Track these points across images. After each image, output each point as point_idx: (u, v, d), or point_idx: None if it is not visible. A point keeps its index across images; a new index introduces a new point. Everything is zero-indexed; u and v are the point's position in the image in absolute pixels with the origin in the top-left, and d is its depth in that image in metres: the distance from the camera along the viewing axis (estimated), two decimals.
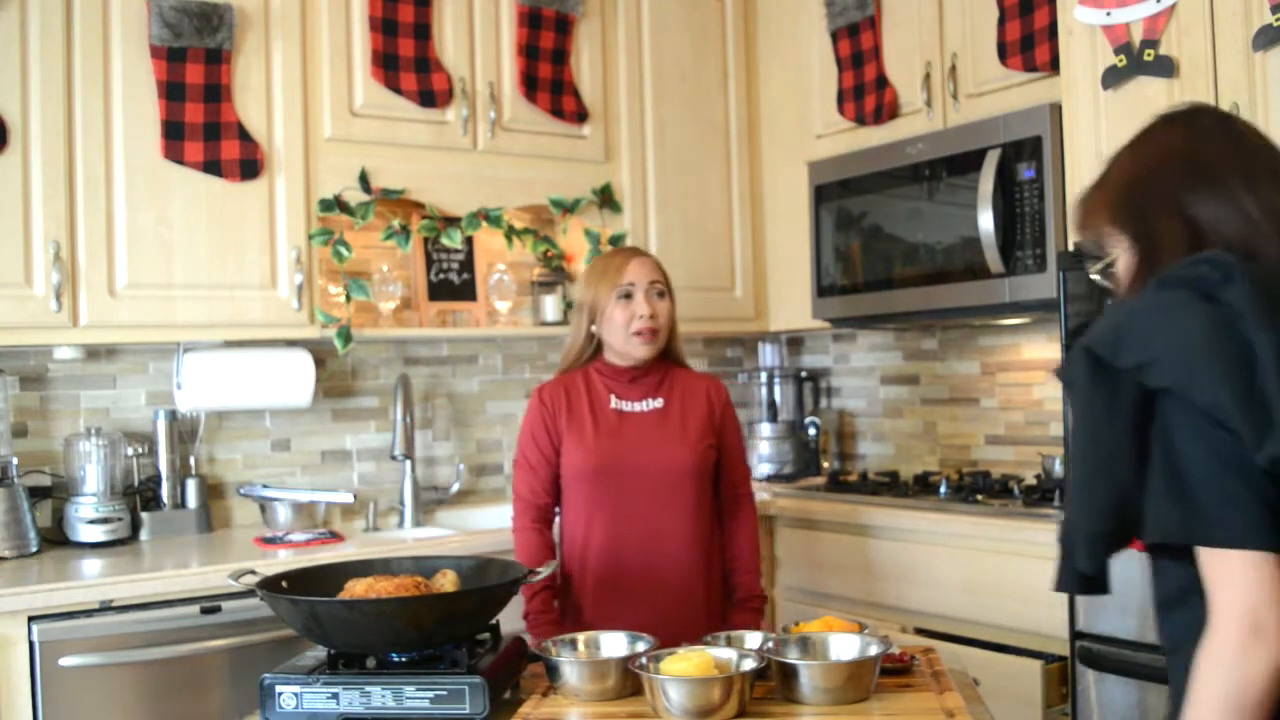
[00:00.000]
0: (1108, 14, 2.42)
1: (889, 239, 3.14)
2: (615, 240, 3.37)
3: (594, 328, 2.42)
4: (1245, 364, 1.16)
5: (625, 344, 2.37)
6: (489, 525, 3.16)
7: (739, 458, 2.49)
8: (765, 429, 3.77)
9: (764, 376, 3.88)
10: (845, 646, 1.69)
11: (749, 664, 1.60)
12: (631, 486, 2.33)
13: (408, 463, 3.19)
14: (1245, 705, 1.13)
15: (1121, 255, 1.34)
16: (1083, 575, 1.29)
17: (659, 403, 2.41)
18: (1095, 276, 1.40)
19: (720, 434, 2.44)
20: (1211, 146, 1.30)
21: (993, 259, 2.81)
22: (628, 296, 2.37)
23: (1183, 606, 1.26)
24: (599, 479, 2.33)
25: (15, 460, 2.67)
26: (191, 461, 3.01)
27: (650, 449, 2.36)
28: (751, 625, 2.33)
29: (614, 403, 2.40)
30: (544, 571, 1.84)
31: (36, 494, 2.76)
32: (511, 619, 1.90)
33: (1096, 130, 2.48)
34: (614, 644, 1.77)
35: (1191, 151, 1.31)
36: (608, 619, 2.18)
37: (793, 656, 1.67)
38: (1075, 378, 1.28)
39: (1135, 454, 1.22)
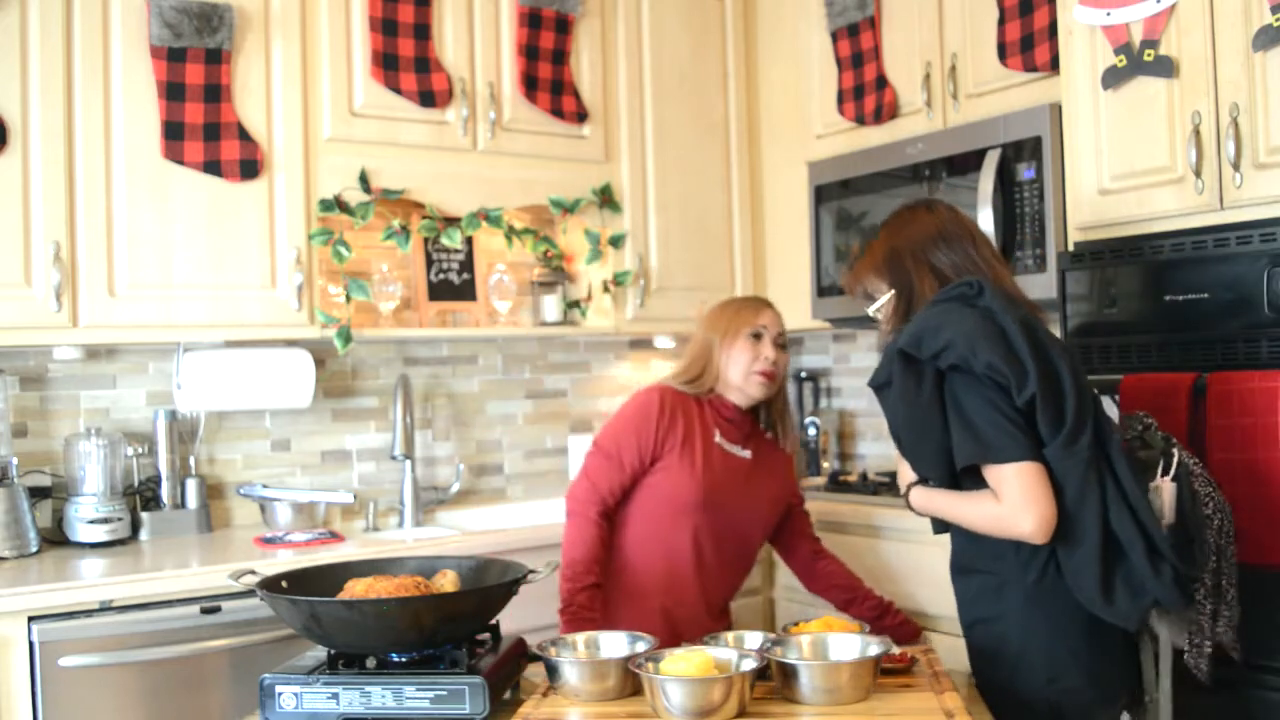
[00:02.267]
0: (1108, 14, 2.42)
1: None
2: (615, 240, 3.37)
3: (712, 361, 2.45)
4: (1004, 339, 1.75)
5: (745, 381, 2.41)
6: (489, 525, 3.16)
7: (804, 509, 2.63)
8: None
9: None
10: (845, 646, 1.69)
11: (749, 664, 1.60)
12: (716, 525, 2.38)
13: (408, 463, 3.19)
14: (993, 533, 1.76)
15: (887, 301, 1.97)
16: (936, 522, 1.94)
17: (748, 453, 2.46)
18: (869, 312, 2.01)
19: (790, 495, 2.57)
20: (946, 223, 1.96)
21: None
22: (757, 337, 2.42)
23: (970, 572, 1.88)
24: (695, 509, 2.36)
25: (15, 460, 2.67)
26: (191, 461, 3.01)
27: (745, 496, 2.42)
28: (907, 623, 2.53)
29: (717, 438, 2.42)
30: (543, 572, 1.83)
31: (36, 494, 2.77)
32: (512, 619, 1.89)
33: (1096, 130, 2.48)
34: (614, 644, 1.77)
35: (933, 225, 1.95)
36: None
37: (793, 656, 1.67)
38: (888, 378, 1.83)
39: (940, 416, 1.78)
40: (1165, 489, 1.80)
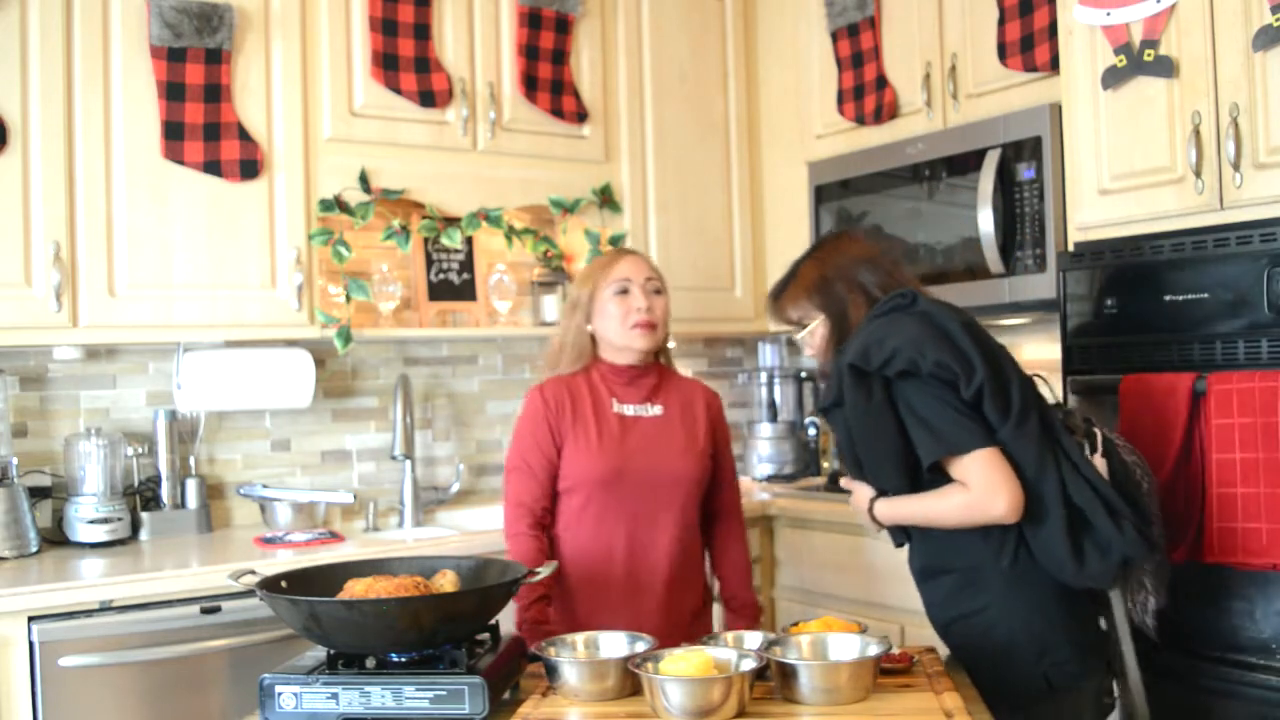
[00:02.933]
0: (1108, 14, 2.42)
1: (889, 239, 3.14)
2: (615, 240, 3.37)
3: (590, 326, 2.41)
4: (947, 338, 1.83)
5: (624, 337, 2.35)
6: (489, 525, 3.16)
7: (732, 469, 2.50)
8: (765, 429, 3.77)
9: (764, 376, 3.88)
10: (845, 646, 1.69)
11: (749, 664, 1.60)
12: (634, 494, 2.32)
13: (408, 463, 3.19)
14: (967, 522, 1.83)
15: (818, 326, 2.03)
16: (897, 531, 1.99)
17: (658, 409, 2.39)
18: (797, 338, 2.09)
19: (716, 444, 2.44)
20: (869, 247, 2.09)
21: (993, 259, 2.81)
22: (624, 292, 2.37)
23: (938, 574, 1.93)
24: (603, 486, 2.31)
25: (15, 460, 2.67)
26: (191, 461, 3.01)
27: (654, 457, 2.34)
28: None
29: (615, 406, 2.38)
30: (543, 572, 1.84)
31: (36, 494, 2.77)
32: (512, 619, 1.89)
33: (1096, 130, 2.48)
34: (614, 644, 1.77)
35: (860, 250, 2.06)
36: (598, 626, 2.14)
37: (792, 656, 1.67)
38: (837, 397, 1.89)
39: (894, 424, 1.84)
40: (1099, 464, 1.90)
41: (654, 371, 2.43)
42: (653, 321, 2.36)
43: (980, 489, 1.78)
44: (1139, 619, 1.96)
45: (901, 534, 1.99)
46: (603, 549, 2.32)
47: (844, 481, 2.05)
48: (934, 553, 1.93)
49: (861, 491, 1.98)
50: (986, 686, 1.77)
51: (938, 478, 1.85)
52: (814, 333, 2.04)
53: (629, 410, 2.38)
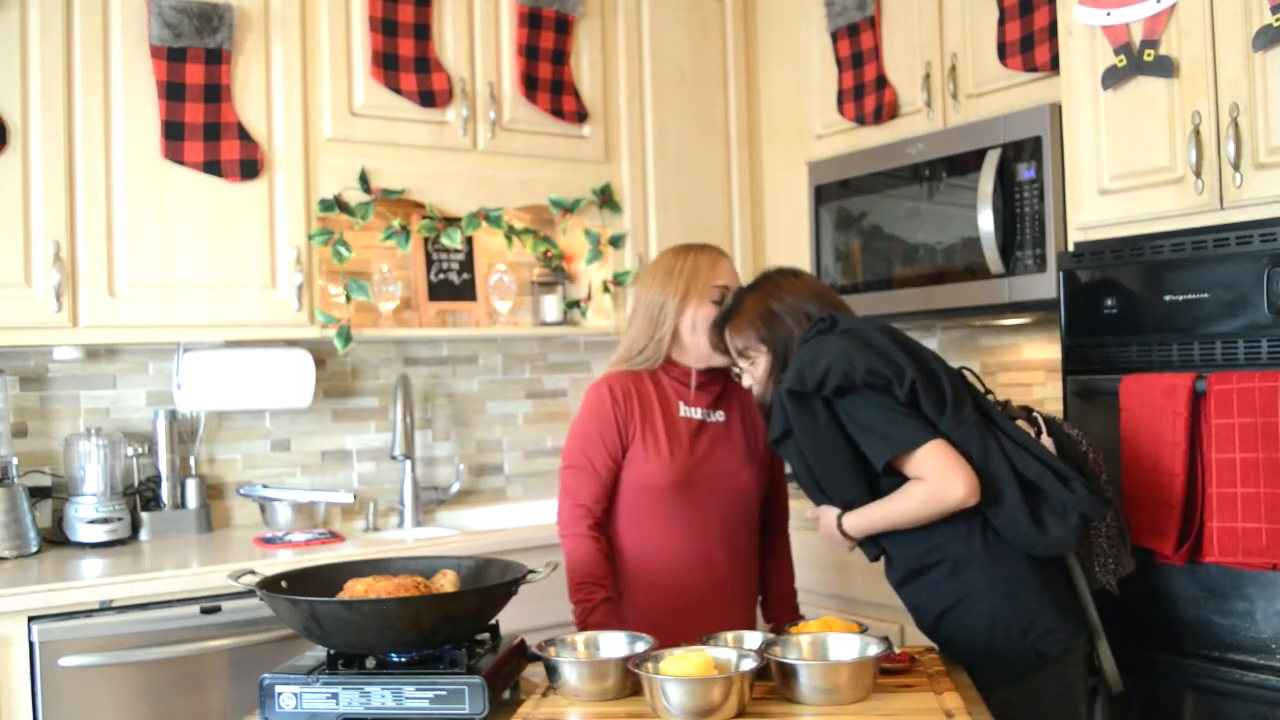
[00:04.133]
0: (1108, 14, 2.42)
1: (889, 239, 3.14)
2: (615, 240, 3.37)
3: (673, 325, 2.25)
4: (872, 347, 1.91)
5: (711, 349, 2.23)
6: (489, 525, 3.16)
7: (783, 476, 2.42)
8: None
9: None
10: (845, 646, 1.69)
11: (749, 664, 1.60)
12: (700, 501, 2.23)
13: (408, 463, 3.19)
14: (932, 513, 1.87)
15: (761, 358, 2.08)
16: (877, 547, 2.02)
17: (721, 415, 2.30)
18: (737, 371, 2.15)
19: (771, 453, 2.34)
20: (817, 284, 2.16)
21: (993, 259, 2.81)
22: (718, 302, 2.22)
23: (918, 573, 1.96)
24: (672, 492, 2.21)
25: (15, 460, 2.68)
26: (191, 461, 3.01)
27: (721, 464, 2.26)
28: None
29: (683, 410, 2.27)
30: (543, 572, 1.83)
31: (36, 494, 2.77)
32: (512, 619, 1.89)
33: (1096, 130, 2.48)
34: (613, 644, 1.77)
35: (806, 287, 2.11)
36: (660, 636, 1.93)
37: (792, 656, 1.67)
38: (785, 426, 1.94)
39: (842, 438, 1.92)
40: (1046, 443, 1.98)
41: (720, 376, 2.32)
42: None
43: (936, 478, 1.85)
44: (1105, 582, 2.05)
45: (875, 547, 2.02)
46: (668, 554, 2.22)
47: (810, 513, 2.10)
48: (911, 555, 1.97)
49: (827, 514, 2.03)
50: (981, 672, 1.81)
51: (895, 481, 1.91)
52: (756, 364, 2.10)
53: (696, 414, 2.28)
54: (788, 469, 2.33)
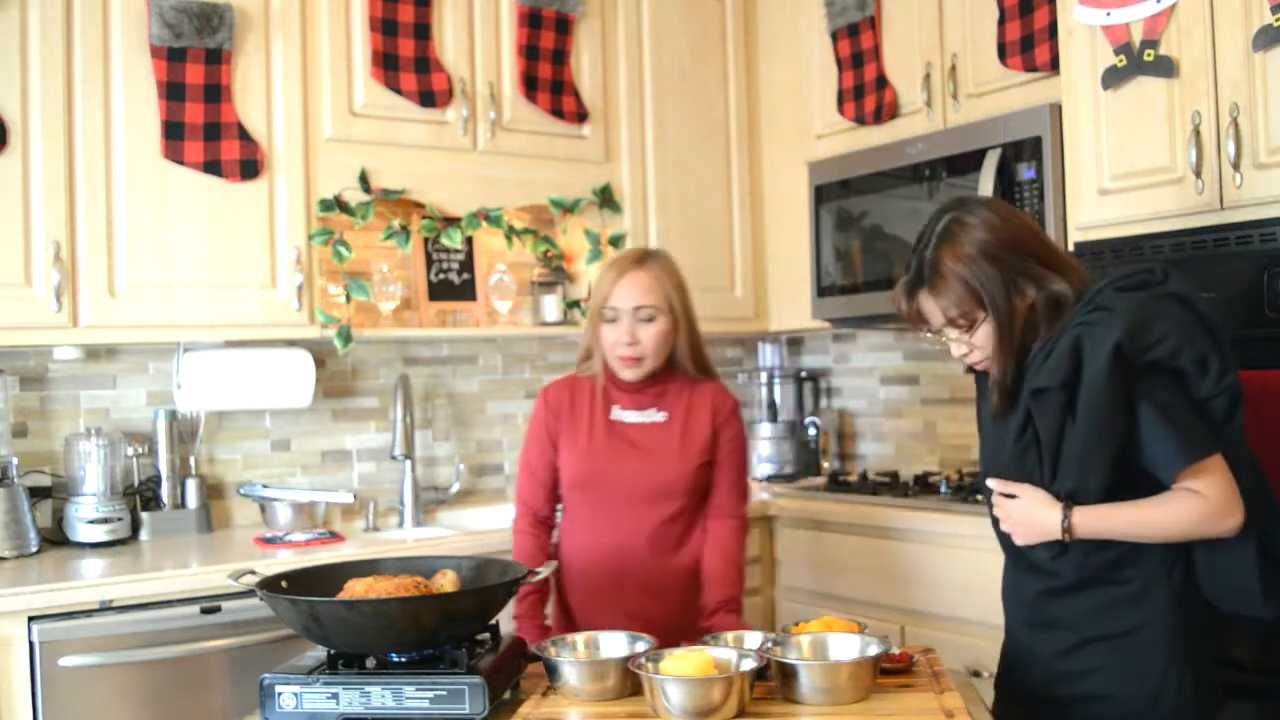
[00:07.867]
0: (1108, 14, 2.42)
1: (889, 239, 3.14)
2: (615, 241, 3.37)
3: (591, 337, 2.39)
4: (1206, 328, 1.64)
5: (613, 364, 2.34)
6: (489, 525, 3.16)
7: (733, 471, 2.38)
8: (765, 429, 3.77)
9: (764, 377, 3.88)
10: (845, 646, 1.69)
11: (749, 664, 1.60)
12: (615, 499, 2.31)
13: (408, 463, 3.19)
14: (1196, 534, 1.62)
15: (984, 324, 1.74)
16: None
17: (662, 416, 2.35)
18: (950, 338, 1.79)
19: (716, 449, 2.35)
20: (1030, 223, 1.78)
21: None
22: (612, 320, 2.30)
23: (1089, 587, 1.71)
24: (584, 488, 2.34)
25: (15, 460, 2.68)
26: (191, 461, 3.01)
27: (641, 462, 2.31)
28: (730, 627, 2.20)
29: (615, 413, 2.36)
30: (543, 572, 1.84)
31: (36, 494, 2.76)
32: (511, 619, 1.90)
33: (1096, 130, 2.48)
34: (614, 644, 1.77)
35: (1020, 223, 1.75)
36: (593, 625, 2.20)
37: (793, 656, 1.67)
38: (1065, 377, 1.64)
39: (1124, 419, 1.62)
40: None
41: (662, 380, 2.37)
42: (637, 356, 2.29)
43: (1220, 499, 1.58)
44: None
45: (1058, 543, 1.71)
46: (589, 550, 2.33)
47: (999, 484, 1.77)
48: (1095, 563, 1.69)
49: (1035, 496, 1.71)
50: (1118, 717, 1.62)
51: (1131, 476, 1.65)
52: (974, 331, 1.74)
53: (629, 417, 2.36)
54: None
